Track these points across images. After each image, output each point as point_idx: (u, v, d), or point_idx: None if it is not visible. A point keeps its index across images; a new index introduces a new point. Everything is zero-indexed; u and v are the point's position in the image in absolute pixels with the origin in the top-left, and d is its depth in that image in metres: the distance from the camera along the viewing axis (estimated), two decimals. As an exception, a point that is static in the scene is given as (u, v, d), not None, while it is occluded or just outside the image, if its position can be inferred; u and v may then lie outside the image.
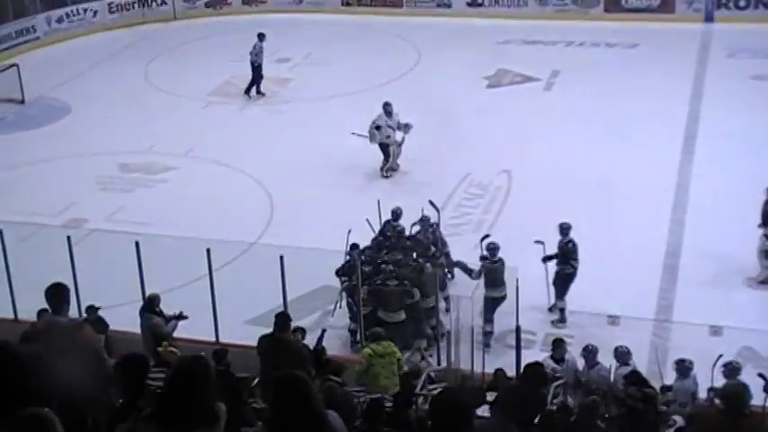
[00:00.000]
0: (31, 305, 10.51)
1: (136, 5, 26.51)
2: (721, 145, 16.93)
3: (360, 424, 6.93)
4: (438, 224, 12.83)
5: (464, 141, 17.32)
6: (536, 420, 7.00)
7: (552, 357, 10.17)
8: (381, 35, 23.22)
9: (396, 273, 11.54)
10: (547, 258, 12.01)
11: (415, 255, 12.12)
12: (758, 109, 18.29)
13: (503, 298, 11.52)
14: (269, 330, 8.99)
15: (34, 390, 3.50)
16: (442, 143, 17.32)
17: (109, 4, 26.12)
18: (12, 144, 18.86)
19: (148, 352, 8.83)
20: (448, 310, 12.02)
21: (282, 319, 9.14)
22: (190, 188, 16.40)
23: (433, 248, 12.29)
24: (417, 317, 11.65)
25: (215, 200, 15.77)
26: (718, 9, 24.21)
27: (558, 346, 10.27)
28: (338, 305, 12.10)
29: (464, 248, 12.84)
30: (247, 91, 20.56)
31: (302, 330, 10.20)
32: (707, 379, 9.23)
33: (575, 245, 11.98)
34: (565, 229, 12.01)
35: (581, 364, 10.15)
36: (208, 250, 10.81)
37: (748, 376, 8.67)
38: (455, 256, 12.66)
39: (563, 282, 12.11)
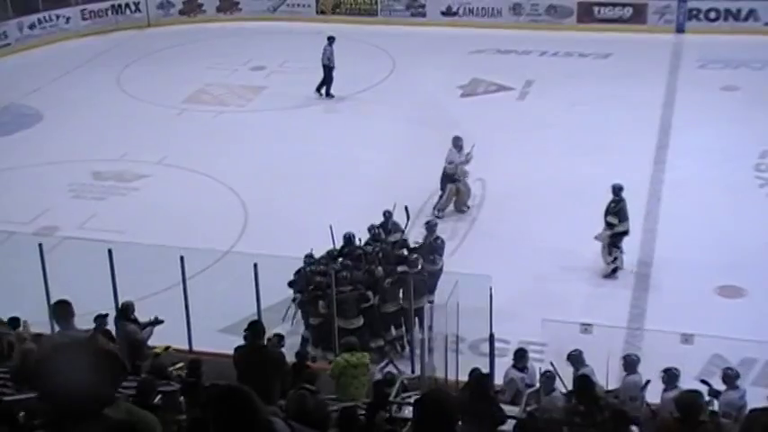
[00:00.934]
0: (1, 312, 10.48)
1: (109, 12, 26.33)
2: (692, 154, 17.15)
3: (333, 433, 6.91)
4: (403, 230, 12.88)
5: (438, 149, 17.36)
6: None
7: (515, 367, 10.26)
8: (356, 44, 23.24)
9: (348, 278, 11.67)
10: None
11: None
12: (728, 119, 18.53)
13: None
14: (243, 339, 8.96)
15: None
16: (415, 151, 17.37)
17: (82, 11, 25.94)
18: (-17, 151, 18.70)
19: (124, 360, 8.79)
20: (421, 319, 12.04)
21: (257, 327, 9.10)
22: (163, 196, 16.33)
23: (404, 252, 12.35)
24: (374, 320, 11.82)
25: (189, 208, 15.71)
26: (690, 20, 24.49)
27: (521, 356, 10.39)
28: (292, 321, 12.07)
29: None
30: (318, 89, 20.79)
31: (280, 336, 10.19)
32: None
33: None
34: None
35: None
36: (181, 258, 10.79)
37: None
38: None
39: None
